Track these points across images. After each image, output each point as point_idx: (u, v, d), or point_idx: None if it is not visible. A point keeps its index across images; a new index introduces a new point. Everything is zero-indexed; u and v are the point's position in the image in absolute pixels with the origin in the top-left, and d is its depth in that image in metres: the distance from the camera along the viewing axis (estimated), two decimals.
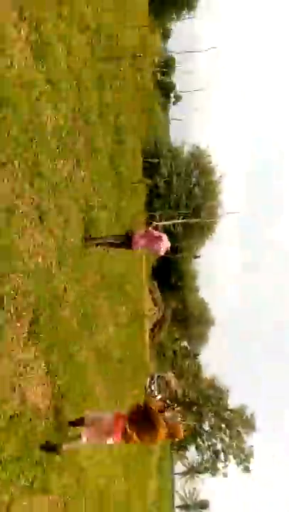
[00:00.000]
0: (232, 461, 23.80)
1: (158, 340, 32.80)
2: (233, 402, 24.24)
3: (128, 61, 13.40)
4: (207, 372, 27.41)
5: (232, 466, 24.03)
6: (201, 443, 24.89)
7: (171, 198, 23.04)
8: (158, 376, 31.48)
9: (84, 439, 4.11)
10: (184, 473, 35.58)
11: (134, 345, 14.59)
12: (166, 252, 6.51)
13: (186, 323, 37.92)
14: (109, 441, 4.15)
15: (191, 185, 26.23)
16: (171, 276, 31.38)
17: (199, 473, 30.62)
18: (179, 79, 49.45)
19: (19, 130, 3.92)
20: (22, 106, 4.02)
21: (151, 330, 30.96)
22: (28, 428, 3.50)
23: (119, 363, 10.52)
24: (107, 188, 8.78)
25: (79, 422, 4.40)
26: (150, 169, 21.10)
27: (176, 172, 23.36)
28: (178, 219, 23.37)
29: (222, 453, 23.77)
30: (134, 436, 4.07)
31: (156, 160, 21.18)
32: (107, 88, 8.73)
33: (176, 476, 39.13)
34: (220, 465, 24.49)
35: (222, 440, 23.80)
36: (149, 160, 20.82)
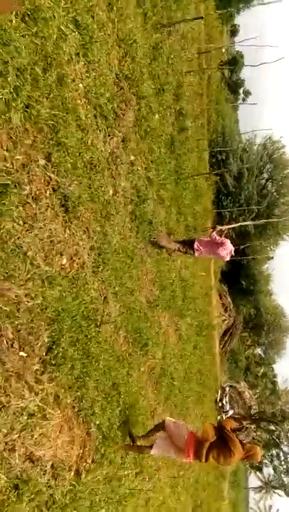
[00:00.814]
0: None
1: (229, 348, 30.76)
2: None
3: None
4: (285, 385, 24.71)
5: None
6: (278, 465, 22.36)
7: (242, 195, 21.12)
8: (230, 386, 29.45)
9: (155, 451, 4.12)
10: (259, 488, 32.87)
11: (202, 359, 13.22)
12: (232, 256, 6.41)
13: (260, 330, 35.13)
14: (181, 458, 4.10)
15: (264, 181, 24.04)
16: (242, 279, 29.17)
17: (276, 488, 27.94)
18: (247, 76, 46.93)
19: None
20: None
21: (222, 338, 29.21)
22: None
23: (185, 381, 9.32)
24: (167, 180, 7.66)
25: (158, 428, 4.40)
26: (218, 164, 19.50)
27: (246, 167, 21.41)
28: (247, 219, 21.39)
29: None
30: (209, 458, 3.94)
31: (225, 154, 19.49)
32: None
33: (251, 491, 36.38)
34: None
35: None
36: (217, 154, 19.22)
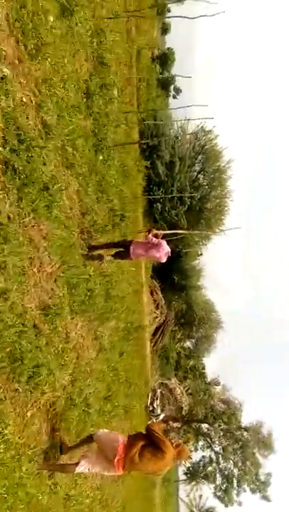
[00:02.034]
0: (246, 489, 20.64)
1: (160, 346, 29.78)
2: (247, 418, 21.16)
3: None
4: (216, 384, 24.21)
5: (249, 495, 20.96)
6: (211, 468, 21.72)
7: (174, 186, 19.85)
8: (161, 383, 28.48)
9: (81, 468, 3.95)
10: (188, 480, 32.66)
11: (130, 365, 11.55)
12: (168, 257, 6.40)
13: (191, 325, 34.78)
14: (109, 473, 4.00)
15: (195, 173, 23.14)
16: (174, 275, 28.20)
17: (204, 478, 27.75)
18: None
19: None
20: None
21: (153, 336, 28.12)
22: None
23: (108, 400, 7.54)
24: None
25: (86, 441, 4.32)
26: (149, 150, 17.97)
27: (179, 156, 20.20)
28: (180, 211, 20.23)
29: (235, 479, 20.58)
30: (139, 463, 3.84)
31: (156, 140, 18.00)
32: None
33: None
34: (233, 492, 21.30)
35: (235, 464, 20.62)
36: (148, 139, 17.65)
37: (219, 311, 34.24)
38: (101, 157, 7.33)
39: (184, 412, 21.39)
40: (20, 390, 3.40)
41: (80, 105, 5.60)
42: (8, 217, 3.25)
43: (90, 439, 4.29)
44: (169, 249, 6.32)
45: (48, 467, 4.03)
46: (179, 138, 21.02)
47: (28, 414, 3.56)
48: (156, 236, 6.25)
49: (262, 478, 20.01)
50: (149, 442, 3.95)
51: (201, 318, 33.49)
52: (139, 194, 14.60)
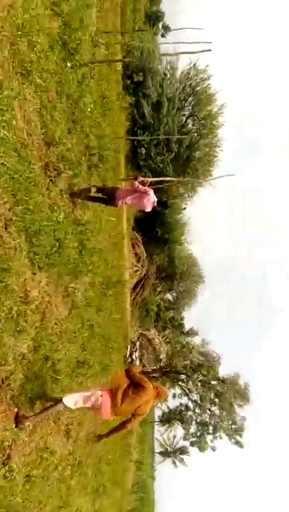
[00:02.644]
0: (222, 435, 21.49)
1: (140, 299, 29.54)
2: (224, 370, 21.56)
3: None
4: (196, 338, 24.29)
5: (222, 441, 21.90)
6: (187, 415, 22.40)
7: (161, 129, 18.18)
8: (140, 334, 28.62)
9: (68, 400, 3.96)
10: (163, 421, 34.28)
11: (109, 320, 10.86)
12: (154, 207, 6.17)
13: (172, 279, 34.55)
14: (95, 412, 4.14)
15: (184, 118, 21.33)
16: (157, 228, 27.19)
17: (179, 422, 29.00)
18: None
19: None
20: None
21: (133, 289, 27.74)
22: None
23: (80, 363, 6.82)
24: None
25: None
26: (134, 87, 16.08)
27: (167, 96, 18.33)
28: (166, 158, 18.75)
29: (210, 426, 21.34)
30: (124, 404, 3.97)
31: (142, 75, 16.05)
32: None
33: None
34: (208, 438, 22.25)
35: (211, 412, 21.28)
36: (133, 73, 15.69)
37: (201, 266, 33.89)
38: (76, 78, 5.92)
39: (162, 363, 21.50)
40: None
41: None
42: None
43: (58, 402, 4.09)
44: (156, 199, 6.07)
45: (33, 422, 3.97)
46: (168, 75, 18.98)
47: None
48: (143, 183, 5.98)
49: (237, 423, 20.83)
50: (130, 383, 4.12)
51: (183, 272, 33.23)
52: (122, 135, 13.06)
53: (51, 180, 5.14)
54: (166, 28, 56.32)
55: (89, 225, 7.43)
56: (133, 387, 4.09)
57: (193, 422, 22.04)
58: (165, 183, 16.62)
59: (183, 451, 42.23)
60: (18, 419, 3.82)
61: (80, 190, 6.22)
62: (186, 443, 28.90)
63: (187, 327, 37.72)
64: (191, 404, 22.04)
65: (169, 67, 19.11)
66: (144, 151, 17.25)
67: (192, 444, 22.65)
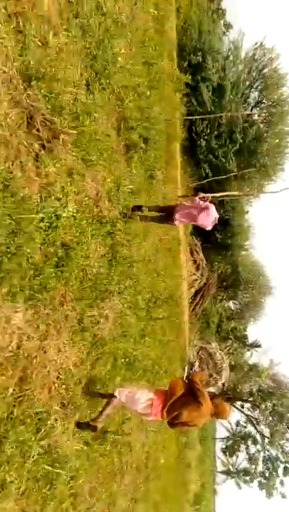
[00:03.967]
0: None
1: (200, 310, 26.99)
2: None
3: None
4: (264, 359, 21.02)
5: None
6: (255, 450, 19.20)
7: (223, 118, 15.72)
8: (200, 347, 26.06)
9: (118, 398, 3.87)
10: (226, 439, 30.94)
11: (161, 343, 8.70)
12: (215, 225, 5.76)
13: (236, 289, 31.36)
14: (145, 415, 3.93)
15: (251, 106, 18.62)
16: (218, 233, 24.45)
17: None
18: None
19: None
20: None
21: (192, 299, 25.34)
22: None
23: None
24: None
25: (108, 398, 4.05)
26: (192, 69, 13.86)
27: (231, 80, 15.86)
28: (228, 151, 16.17)
29: (281, 464, 17.93)
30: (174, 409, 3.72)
31: (200, 55, 13.79)
32: None
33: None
34: (277, 480, 18.74)
35: (282, 449, 17.85)
36: (190, 54, 13.50)
37: (269, 276, 30.27)
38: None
39: (223, 382, 18.62)
40: None
41: None
42: None
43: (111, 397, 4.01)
44: (217, 215, 5.62)
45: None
46: (231, 57, 16.48)
47: None
48: (203, 200, 5.58)
49: None
50: (188, 392, 3.86)
51: (248, 281, 29.89)
52: (177, 119, 10.88)
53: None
54: (228, 27, 53.37)
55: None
56: (189, 398, 3.81)
57: (260, 459, 18.81)
58: (229, 197, 14.34)
59: (247, 472, 38.29)
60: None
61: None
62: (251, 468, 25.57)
63: (251, 340, 34.22)
64: (258, 438, 18.87)
65: (232, 47, 16.61)
66: (203, 144, 14.90)
67: (260, 486, 19.36)
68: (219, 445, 35.83)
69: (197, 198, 5.54)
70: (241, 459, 29.19)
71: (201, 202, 5.48)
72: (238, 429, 20.86)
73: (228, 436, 25.88)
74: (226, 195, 15.85)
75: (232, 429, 22.90)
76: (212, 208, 5.48)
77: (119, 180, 5.33)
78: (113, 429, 4.90)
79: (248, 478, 34.49)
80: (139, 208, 5.81)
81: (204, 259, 23.68)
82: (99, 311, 4.35)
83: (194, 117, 13.03)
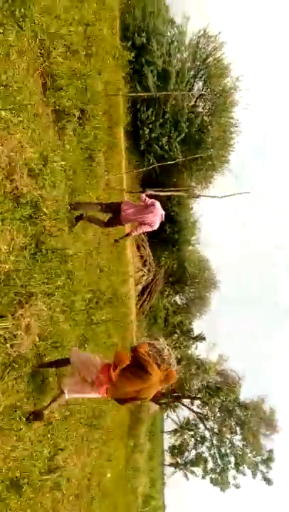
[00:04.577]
0: (246, 471, 18.06)
1: (148, 307, 26.40)
2: (246, 393, 18.09)
3: None
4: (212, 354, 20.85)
5: (247, 478, 18.42)
6: (204, 448, 18.97)
7: (168, 106, 14.99)
8: (148, 344, 25.46)
9: (66, 395, 3.71)
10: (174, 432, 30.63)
11: (104, 344, 7.68)
12: (162, 222, 5.55)
13: (183, 285, 31.25)
14: (93, 394, 3.75)
15: (195, 96, 18.13)
16: (165, 227, 23.90)
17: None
18: None
19: None
20: None
21: (140, 296, 24.63)
22: None
23: None
24: None
25: (63, 363, 3.98)
26: (136, 51, 12.89)
27: (175, 68, 15.13)
28: (173, 141, 15.49)
29: (231, 458, 17.88)
30: (120, 383, 3.57)
31: (145, 36, 12.87)
32: None
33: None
34: (230, 474, 18.76)
35: (232, 444, 17.85)
36: (134, 33, 12.51)
37: (214, 270, 30.48)
38: None
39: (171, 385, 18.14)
40: None
41: None
42: None
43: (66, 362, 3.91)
44: (163, 212, 5.46)
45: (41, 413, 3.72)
46: (176, 42, 15.77)
47: None
48: (149, 197, 5.48)
49: (264, 456, 17.41)
50: (134, 363, 3.70)
51: (194, 276, 29.85)
52: (120, 95, 9.84)
53: None
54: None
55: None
56: (135, 367, 3.65)
57: (210, 457, 18.59)
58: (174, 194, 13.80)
59: (194, 463, 38.64)
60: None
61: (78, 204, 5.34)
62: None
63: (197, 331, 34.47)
64: (207, 434, 18.64)
65: (176, 32, 15.91)
66: (147, 131, 14.03)
67: (213, 482, 19.19)
68: (167, 438, 35.82)
69: (144, 195, 5.38)
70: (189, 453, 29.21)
71: (148, 199, 5.31)
72: (185, 422, 20.59)
73: (176, 429, 25.66)
74: (172, 193, 15.33)
75: (179, 421, 22.70)
76: (157, 204, 5.32)
77: (46, 152, 4.21)
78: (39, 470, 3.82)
79: (196, 469, 34.72)
80: (80, 217, 5.52)
81: (151, 255, 23.08)
82: (15, 321, 3.23)
83: (138, 94, 12.04)
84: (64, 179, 5.03)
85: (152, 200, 5.37)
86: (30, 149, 3.86)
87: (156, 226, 5.53)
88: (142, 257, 21.98)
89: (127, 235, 5.91)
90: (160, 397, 17.90)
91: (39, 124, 4.12)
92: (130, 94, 11.35)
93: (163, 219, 5.51)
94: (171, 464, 41.58)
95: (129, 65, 11.33)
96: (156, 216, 5.39)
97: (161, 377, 3.78)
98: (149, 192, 5.72)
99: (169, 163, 10.96)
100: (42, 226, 4.01)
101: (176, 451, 20.88)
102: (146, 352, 3.82)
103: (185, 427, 25.05)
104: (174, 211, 23.83)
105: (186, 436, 20.79)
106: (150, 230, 5.61)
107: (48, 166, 4.20)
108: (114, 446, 9.64)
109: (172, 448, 21.17)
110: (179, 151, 15.15)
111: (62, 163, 4.64)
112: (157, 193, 5.17)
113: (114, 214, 5.46)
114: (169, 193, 13.95)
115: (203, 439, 18.73)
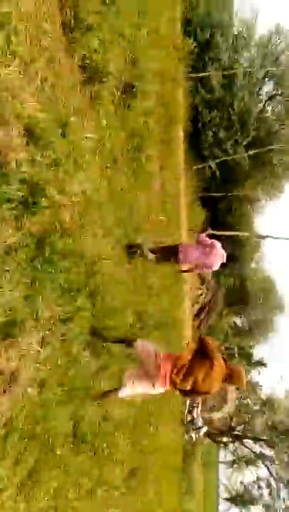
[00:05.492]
0: None
1: (205, 328, 24.51)
2: None
3: None
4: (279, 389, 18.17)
5: None
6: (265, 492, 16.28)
7: (234, 106, 13.43)
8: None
9: (126, 389, 3.62)
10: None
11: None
12: (223, 263, 5.30)
13: (244, 306, 28.78)
14: (155, 389, 3.56)
15: (263, 100, 16.42)
16: (225, 242, 22.00)
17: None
18: None
19: None
20: None
21: (197, 315, 22.98)
22: None
23: None
24: None
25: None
26: (199, 48, 11.65)
27: (244, 67, 13.65)
28: (239, 146, 13.84)
29: None
30: (184, 380, 3.41)
31: (209, 31, 11.62)
32: None
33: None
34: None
35: None
36: (196, 28, 11.32)
37: (279, 292, 27.61)
38: None
39: (233, 423, 15.90)
40: None
41: None
42: None
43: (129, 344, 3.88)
44: (224, 253, 5.16)
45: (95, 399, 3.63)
46: (243, 39, 14.28)
47: None
48: (209, 237, 5.52)
49: None
50: (198, 352, 3.57)
51: (257, 297, 27.24)
52: (181, 83, 8.54)
53: None
54: None
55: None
56: (199, 357, 3.50)
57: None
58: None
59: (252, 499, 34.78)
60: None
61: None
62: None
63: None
64: (273, 483, 15.99)
65: (244, 29, 14.44)
66: (210, 134, 12.57)
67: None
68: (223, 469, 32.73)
69: (203, 235, 5.45)
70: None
71: (207, 239, 5.21)
72: (243, 454, 18.17)
73: (234, 460, 22.89)
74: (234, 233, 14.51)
75: (236, 452, 20.15)
76: (217, 245, 5.11)
77: (66, 119, 2.96)
78: None
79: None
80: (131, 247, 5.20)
81: (210, 273, 21.38)
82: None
83: (201, 74, 10.70)
84: (96, 160, 3.72)
85: (213, 240, 5.17)
86: (38, 109, 2.61)
87: (215, 267, 5.32)
88: (200, 275, 20.43)
89: (186, 271, 5.58)
90: (219, 434, 15.82)
91: (56, 74, 2.87)
92: (193, 75, 10.03)
93: (224, 260, 5.23)
94: (227, 499, 38.01)
95: (190, 58, 10.08)
96: (217, 257, 5.16)
97: (226, 372, 3.51)
98: (211, 232, 4.94)
99: (232, 157, 9.36)
100: (43, 215, 2.71)
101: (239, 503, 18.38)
102: (213, 343, 3.66)
103: (242, 459, 22.29)
104: (236, 225, 21.95)
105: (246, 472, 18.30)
106: (210, 271, 5.38)
107: (69, 139, 2.93)
108: (166, 487, 8.04)
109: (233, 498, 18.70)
110: (246, 156, 13.46)
111: (93, 136, 3.33)
112: (220, 233, 5.21)
113: (171, 253, 5.30)
114: (231, 233, 13.16)
115: (269, 486, 16.10)
